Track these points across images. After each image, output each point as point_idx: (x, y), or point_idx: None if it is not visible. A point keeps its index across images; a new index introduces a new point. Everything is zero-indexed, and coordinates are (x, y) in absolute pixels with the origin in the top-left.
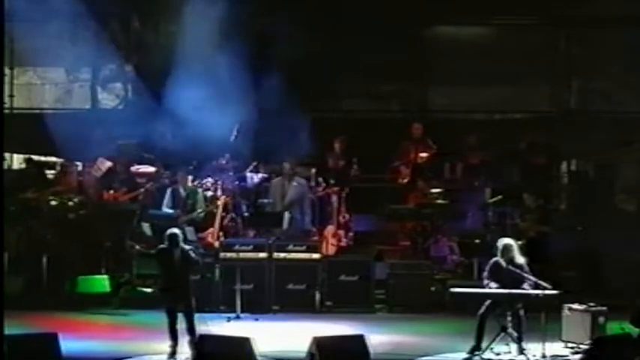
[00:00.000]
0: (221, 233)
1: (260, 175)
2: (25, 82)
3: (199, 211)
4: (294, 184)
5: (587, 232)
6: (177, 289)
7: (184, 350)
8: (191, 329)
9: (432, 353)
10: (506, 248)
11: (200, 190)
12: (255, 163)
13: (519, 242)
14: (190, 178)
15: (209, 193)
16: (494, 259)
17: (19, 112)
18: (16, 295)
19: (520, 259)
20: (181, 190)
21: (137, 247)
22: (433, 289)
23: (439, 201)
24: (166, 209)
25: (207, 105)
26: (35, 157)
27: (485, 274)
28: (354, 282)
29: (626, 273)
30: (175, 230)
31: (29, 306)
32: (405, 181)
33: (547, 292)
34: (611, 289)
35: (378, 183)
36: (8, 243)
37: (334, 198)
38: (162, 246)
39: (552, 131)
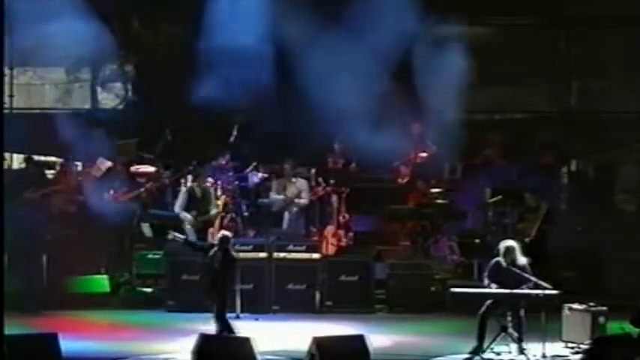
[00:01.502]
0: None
1: (260, 175)
2: (25, 82)
3: (215, 212)
4: (293, 180)
5: (587, 232)
6: (214, 289)
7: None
8: (223, 330)
9: (432, 353)
10: (509, 250)
11: (212, 189)
12: (255, 163)
13: (526, 240)
14: (190, 177)
15: None
16: (495, 259)
17: (19, 112)
18: (16, 295)
19: (522, 260)
20: (197, 191)
21: (179, 235)
22: (433, 289)
23: (439, 201)
24: (179, 210)
25: None
26: (35, 157)
27: (485, 274)
28: (354, 282)
29: (626, 273)
30: (227, 233)
31: (29, 306)
32: (405, 181)
33: (547, 292)
34: (611, 289)
35: (378, 183)
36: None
37: (334, 198)
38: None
39: (552, 131)
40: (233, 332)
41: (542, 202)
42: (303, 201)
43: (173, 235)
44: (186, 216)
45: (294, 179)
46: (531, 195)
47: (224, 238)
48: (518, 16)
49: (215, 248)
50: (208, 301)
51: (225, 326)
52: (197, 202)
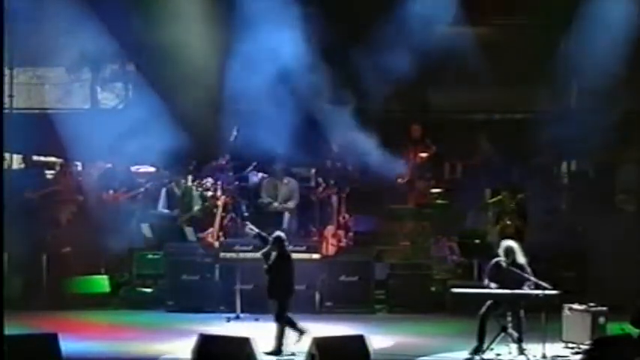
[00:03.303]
0: (221, 233)
1: (260, 175)
2: (25, 82)
3: (197, 208)
4: (285, 182)
5: (587, 232)
6: (271, 288)
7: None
8: (292, 326)
9: (432, 353)
10: (509, 250)
11: (194, 187)
12: (255, 163)
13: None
14: (190, 177)
15: (209, 193)
16: (495, 259)
17: (19, 112)
18: (16, 295)
19: (521, 260)
20: (176, 190)
21: (254, 228)
22: (433, 289)
23: (439, 201)
24: (162, 209)
25: None
26: (35, 157)
27: (485, 274)
28: (354, 282)
29: (626, 273)
30: (281, 233)
31: (29, 306)
32: (405, 181)
33: (547, 292)
34: (611, 289)
35: (378, 183)
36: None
37: (334, 198)
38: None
39: (552, 131)
40: (302, 332)
41: (517, 200)
42: (291, 204)
43: (250, 227)
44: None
45: (285, 180)
46: (508, 194)
47: (277, 238)
48: (518, 16)
49: (269, 247)
50: (270, 302)
51: (292, 325)
52: (177, 201)
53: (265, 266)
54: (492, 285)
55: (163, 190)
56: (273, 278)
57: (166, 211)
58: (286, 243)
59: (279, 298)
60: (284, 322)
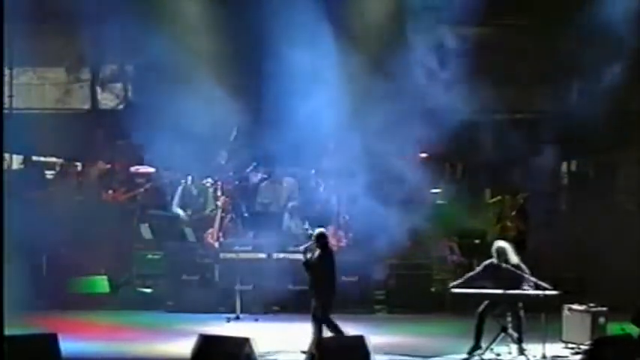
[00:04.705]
0: (221, 233)
1: (260, 175)
2: (25, 82)
3: (211, 208)
4: (284, 184)
5: (587, 232)
6: (312, 286)
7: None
8: (334, 329)
9: (432, 353)
10: (500, 251)
11: (210, 188)
12: (255, 163)
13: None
14: (190, 177)
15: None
16: (490, 260)
17: (19, 112)
18: (16, 295)
19: (514, 260)
20: (193, 189)
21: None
22: (433, 289)
23: (439, 201)
24: (176, 208)
25: None
26: (35, 157)
27: (473, 272)
28: (353, 282)
29: (626, 273)
30: (323, 230)
31: (29, 306)
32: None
33: (547, 292)
34: (611, 289)
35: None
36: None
37: (334, 198)
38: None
39: (553, 131)
40: (341, 332)
41: (520, 200)
42: (291, 204)
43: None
44: (180, 213)
45: (284, 184)
46: (511, 197)
47: (320, 234)
48: (518, 16)
49: (310, 243)
50: (311, 300)
51: (321, 329)
52: (192, 200)
53: (304, 259)
54: (487, 284)
55: (179, 189)
56: (316, 276)
57: (180, 210)
58: (328, 240)
59: (322, 296)
60: (327, 321)
